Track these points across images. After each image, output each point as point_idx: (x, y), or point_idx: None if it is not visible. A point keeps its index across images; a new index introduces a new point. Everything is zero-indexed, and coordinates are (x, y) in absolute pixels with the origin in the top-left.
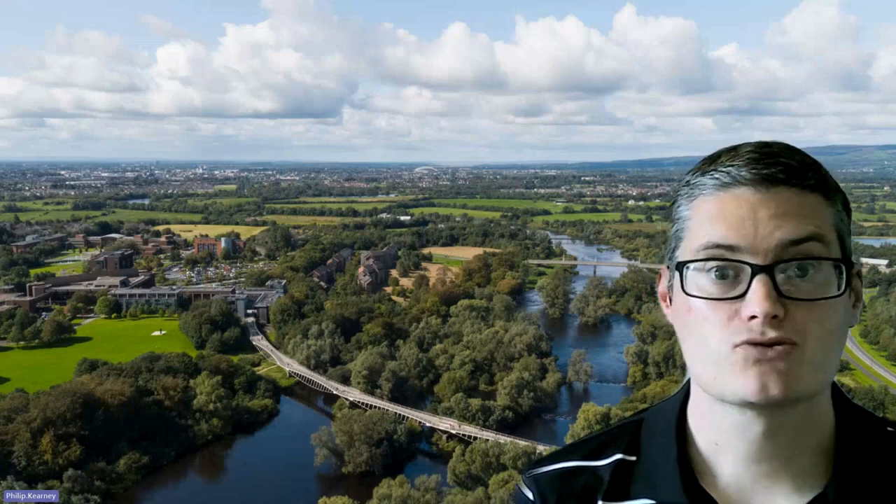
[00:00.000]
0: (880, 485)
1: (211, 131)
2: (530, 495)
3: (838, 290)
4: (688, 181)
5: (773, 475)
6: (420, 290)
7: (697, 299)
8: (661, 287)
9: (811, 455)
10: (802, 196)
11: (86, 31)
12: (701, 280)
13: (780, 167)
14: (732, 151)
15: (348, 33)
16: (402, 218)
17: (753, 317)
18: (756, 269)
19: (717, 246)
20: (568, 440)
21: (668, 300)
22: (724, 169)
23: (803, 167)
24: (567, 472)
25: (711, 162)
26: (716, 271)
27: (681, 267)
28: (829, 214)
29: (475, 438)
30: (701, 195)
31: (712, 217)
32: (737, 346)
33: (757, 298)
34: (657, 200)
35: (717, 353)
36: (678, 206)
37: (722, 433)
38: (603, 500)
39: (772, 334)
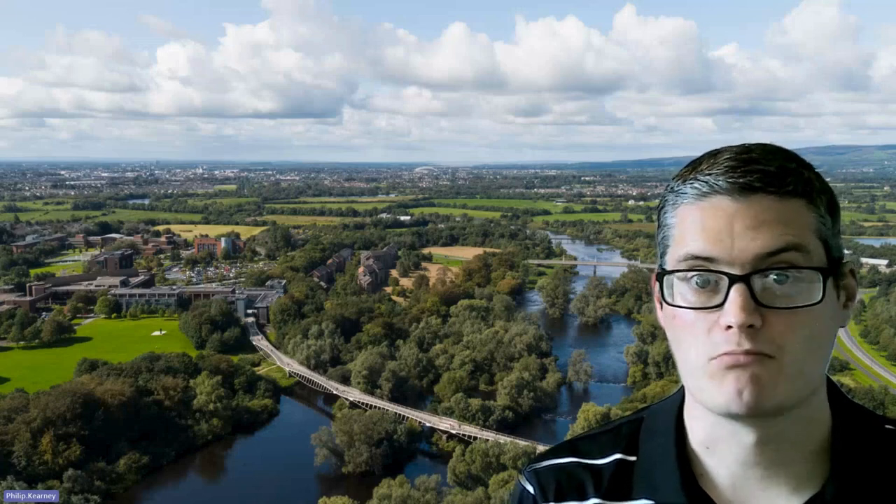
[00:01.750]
0: (878, 483)
1: (211, 131)
2: (531, 489)
3: (819, 297)
4: (672, 188)
5: (770, 477)
6: (420, 290)
7: (680, 308)
8: (657, 291)
9: (808, 456)
10: (782, 203)
11: (86, 31)
12: (683, 289)
13: (756, 174)
14: (713, 158)
15: (348, 33)
16: (402, 218)
17: (730, 326)
18: (733, 279)
19: (697, 258)
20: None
21: (661, 304)
22: (702, 178)
23: (782, 172)
24: (567, 467)
25: (693, 168)
26: (697, 280)
27: (662, 277)
28: (811, 220)
29: (475, 438)
30: (683, 203)
31: (693, 228)
32: (712, 358)
33: (734, 308)
34: (657, 200)
35: (697, 364)
36: (665, 213)
37: (715, 439)
38: (603, 499)
39: (747, 345)
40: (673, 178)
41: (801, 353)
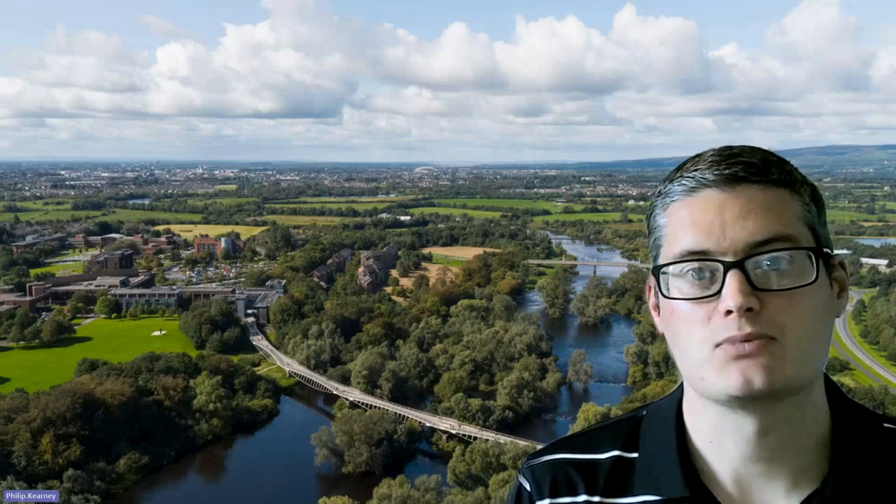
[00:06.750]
0: (877, 480)
1: (211, 131)
2: (527, 485)
3: (813, 277)
4: (660, 190)
5: (771, 472)
6: (420, 290)
7: (679, 301)
8: (651, 298)
9: (808, 451)
10: (767, 192)
11: (86, 31)
12: (680, 283)
13: (741, 165)
14: (697, 157)
15: (348, 33)
16: (402, 218)
17: (730, 311)
18: (728, 266)
19: (691, 252)
20: None
21: (657, 310)
22: (689, 175)
23: (765, 164)
24: (563, 463)
25: (678, 169)
26: (693, 273)
27: (658, 272)
28: (796, 208)
29: (475, 438)
30: (672, 202)
31: (684, 223)
32: (717, 345)
33: (731, 293)
34: None
35: (700, 353)
36: (655, 216)
37: (716, 432)
38: (601, 495)
39: (748, 329)
40: (661, 182)
41: (802, 333)
